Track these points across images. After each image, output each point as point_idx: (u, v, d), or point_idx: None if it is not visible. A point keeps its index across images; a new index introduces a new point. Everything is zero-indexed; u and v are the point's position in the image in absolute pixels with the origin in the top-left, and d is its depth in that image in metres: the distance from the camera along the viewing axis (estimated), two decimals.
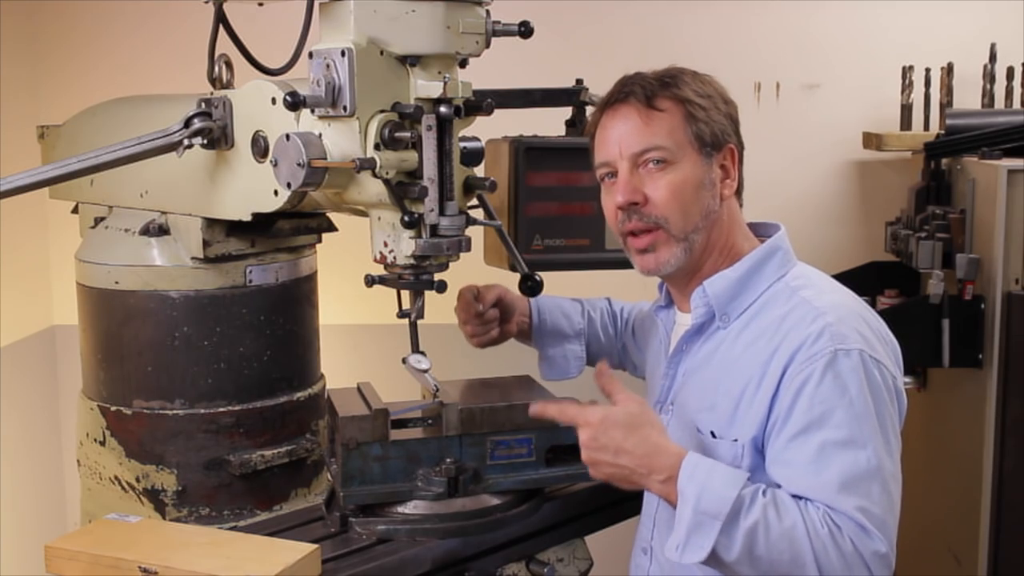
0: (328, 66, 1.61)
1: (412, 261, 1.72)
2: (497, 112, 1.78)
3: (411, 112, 1.64)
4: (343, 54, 1.60)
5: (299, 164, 1.63)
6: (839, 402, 1.51)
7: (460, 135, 1.76)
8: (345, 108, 1.61)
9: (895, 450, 1.55)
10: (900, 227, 2.99)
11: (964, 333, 2.67)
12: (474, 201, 1.86)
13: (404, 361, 1.83)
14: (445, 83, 1.66)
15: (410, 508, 1.73)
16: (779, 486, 1.54)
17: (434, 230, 1.70)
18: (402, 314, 1.81)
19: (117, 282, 1.96)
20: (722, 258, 1.69)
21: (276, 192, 1.76)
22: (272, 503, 1.99)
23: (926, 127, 3.25)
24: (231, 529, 1.83)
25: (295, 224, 1.98)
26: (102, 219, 2.11)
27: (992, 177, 2.62)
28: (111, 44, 3.37)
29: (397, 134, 1.63)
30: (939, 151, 2.92)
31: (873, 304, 2.88)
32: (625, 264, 1.74)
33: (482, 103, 1.74)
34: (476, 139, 1.83)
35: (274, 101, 1.73)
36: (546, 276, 1.96)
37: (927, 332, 2.67)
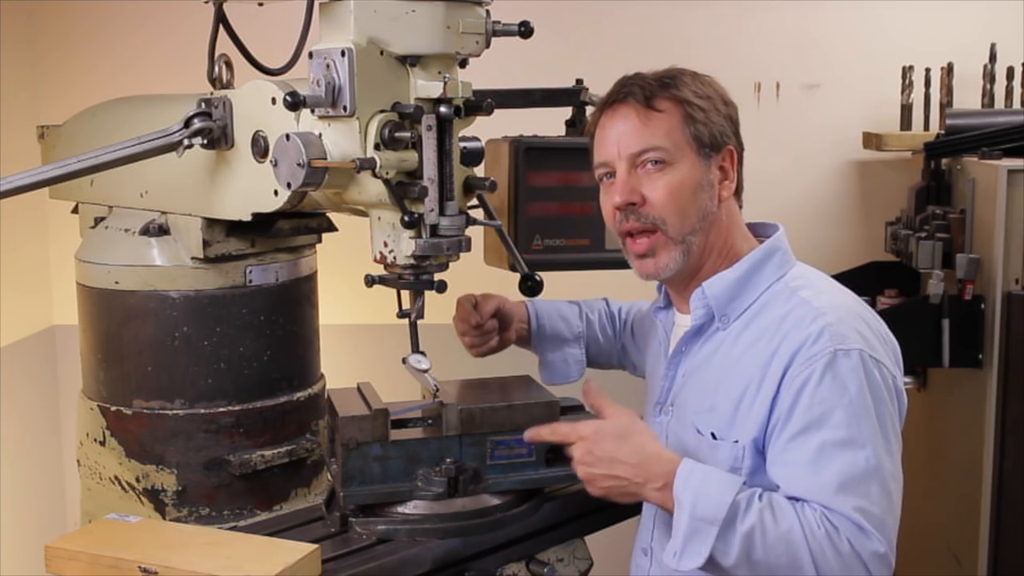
0: (328, 66, 1.61)
1: (412, 261, 1.72)
2: (497, 112, 1.78)
3: (411, 112, 1.64)
4: (343, 54, 1.60)
5: (299, 164, 1.63)
6: (838, 402, 1.51)
7: (460, 135, 1.75)
8: (345, 108, 1.61)
9: (895, 450, 1.55)
10: (900, 227, 2.99)
11: (964, 333, 2.67)
12: (474, 201, 1.86)
13: (404, 361, 1.83)
14: (445, 83, 1.66)
15: (410, 508, 1.73)
16: (778, 487, 1.54)
17: (434, 230, 1.70)
18: (402, 314, 1.81)
19: (117, 282, 1.96)
20: (721, 259, 1.68)
21: (276, 192, 1.76)
22: (272, 503, 1.99)
23: (926, 127, 3.25)
24: (231, 529, 1.82)
25: (295, 224, 1.98)
26: (102, 219, 2.11)
27: (992, 177, 2.62)
28: (111, 44, 3.37)
29: (397, 134, 1.63)
30: (939, 151, 2.92)
31: (873, 304, 2.88)
32: (625, 264, 1.74)
33: (482, 103, 1.74)
34: (476, 139, 1.83)
35: (274, 101, 1.73)
36: (546, 276, 1.96)
37: (927, 332, 2.67)
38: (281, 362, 2.01)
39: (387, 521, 1.71)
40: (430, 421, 1.80)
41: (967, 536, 2.75)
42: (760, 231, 1.75)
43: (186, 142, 1.79)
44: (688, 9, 3.34)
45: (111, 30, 3.37)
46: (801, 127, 3.36)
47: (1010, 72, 3.17)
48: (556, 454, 1.80)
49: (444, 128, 1.68)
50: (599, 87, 1.79)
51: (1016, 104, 3.17)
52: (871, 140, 3.26)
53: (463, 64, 1.74)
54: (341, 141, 1.64)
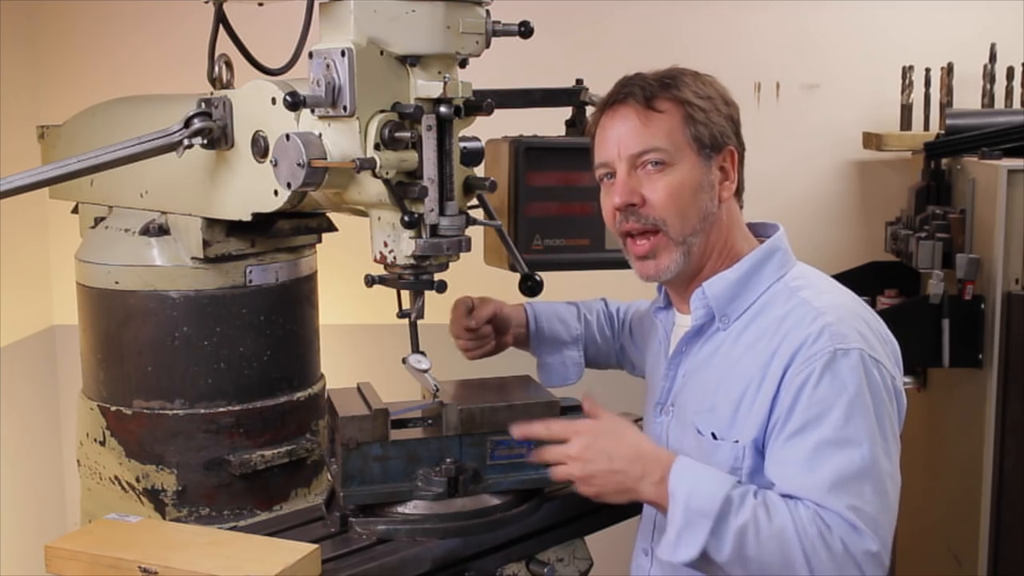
0: (328, 66, 1.61)
1: (412, 261, 1.72)
2: (497, 112, 1.77)
3: (411, 112, 1.64)
4: (343, 54, 1.60)
5: (299, 164, 1.63)
6: (837, 401, 1.51)
7: (460, 135, 1.75)
8: (345, 108, 1.61)
9: (893, 450, 1.55)
10: (900, 227, 2.99)
11: (964, 333, 2.67)
12: (474, 201, 1.86)
13: (404, 361, 1.83)
14: (445, 83, 1.66)
15: (410, 508, 1.73)
16: (774, 485, 1.54)
17: (434, 230, 1.70)
18: (402, 314, 1.81)
19: (117, 282, 1.96)
20: (721, 260, 1.68)
21: (276, 192, 1.76)
22: (272, 503, 1.99)
23: (926, 127, 3.25)
24: (231, 529, 1.82)
25: (295, 224, 1.98)
26: (102, 219, 2.11)
27: (992, 177, 2.62)
28: (111, 44, 3.37)
29: (397, 134, 1.63)
30: (939, 151, 2.92)
31: (873, 304, 2.88)
32: (625, 264, 1.74)
33: (482, 103, 1.74)
34: (476, 139, 1.83)
35: (274, 101, 1.73)
36: (546, 276, 1.96)
37: (927, 332, 2.67)
38: (281, 362, 2.01)
39: (387, 521, 1.71)
40: (430, 421, 1.80)
41: (967, 536, 2.75)
42: (760, 231, 1.75)
43: (186, 142, 1.79)
44: (688, 9, 3.34)
45: (111, 30, 3.37)
46: (801, 127, 3.36)
47: (1010, 72, 3.17)
48: None
49: (444, 128, 1.68)
50: (599, 87, 1.79)
51: (1016, 104, 3.17)
52: (871, 140, 3.26)
53: (463, 64, 1.74)
54: (341, 141, 1.64)
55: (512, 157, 2.03)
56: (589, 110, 2.18)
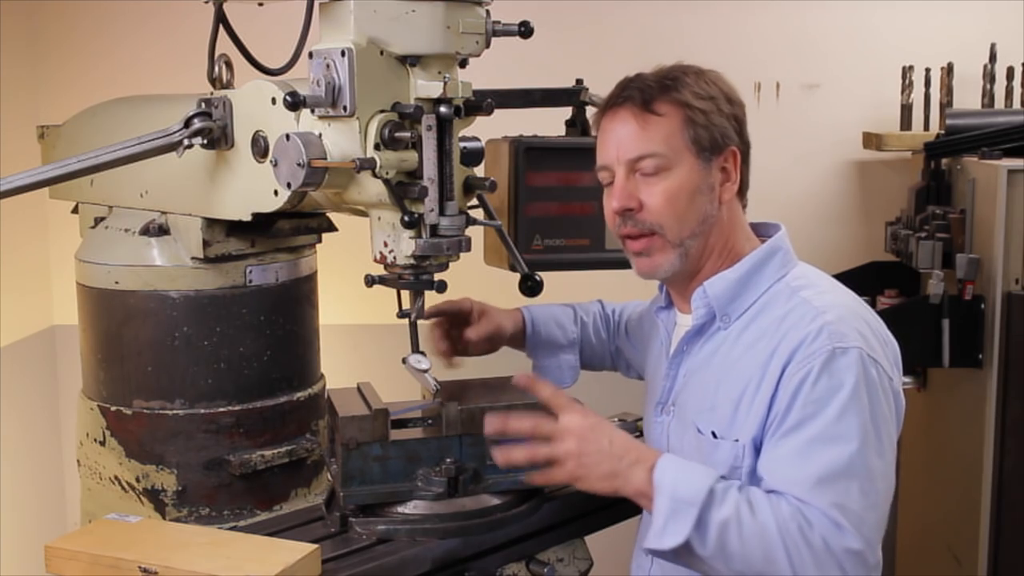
0: (328, 66, 1.61)
1: (412, 261, 1.72)
2: (497, 112, 1.77)
3: (411, 112, 1.64)
4: (343, 54, 1.60)
5: (299, 164, 1.63)
6: (832, 399, 1.51)
7: (460, 135, 1.75)
8: (345, 108, 1.61)
9: (887, 450, 1.54)
10: (900, 227, 2.99)
11: (964, 333, 2.67)
12: (474, 201, 1.85)
13: (404, 361, 1.83)
14: (445, 83, 1.66)
15: (410, 508, 1.73)
16: (763, 480, 1.55)
17: (434, 230, 1.70)
18: (402, 314, 1.81)
19: (117, 282, 1.96)
20: (721, 260, 1.68)
21: (276, 192, 1.76)
22: (272, 503, 1.99)
23: (926, 127, 3.25)
24: (231, 529, 1.83)
25: (295, 224, 1.98)
26: (102, 219, 2.11)
27: (992, 177, 2.62)
28: (111, 44, 3.37)
29: (397, 134, 1.63)
30: (939, 151, 2.92)
31: (873, 304, 2.88)
32: (625, 264, 1.74)
33: (482, 103, 1.74)
34: (476, 139, 1.83)
35: (274, 101, 1.73)
36: (546, 276, 1.96)
37: (927, 332, 2.67)
38: (281, 362, 2.01)
39: (387, 521, 1.71)
40: (430, 421, 1.80)
41: (967, 536, 2.75)
42: (762, 231, 1.75)
43: (186, 142, 1.79)
44: (688, 9, 3.34)
45: (111, 30, 3.37)
46: (801, 127, 3.36)
47: (1010, 72, 3.17)
48: None
49: (444, 128, 1.68)
50: (599, 87, 1.79)
51: (1016, 104, 3.17)
52: (871, 140, 3.26)
53: (463, 64, 1.74)
54: (341, 141, 1.64)
55: (512, 157, 2.03)
56: (589, 110, 2.18)
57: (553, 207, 2.07)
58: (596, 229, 2.05)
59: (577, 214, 2.08)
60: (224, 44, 1.97)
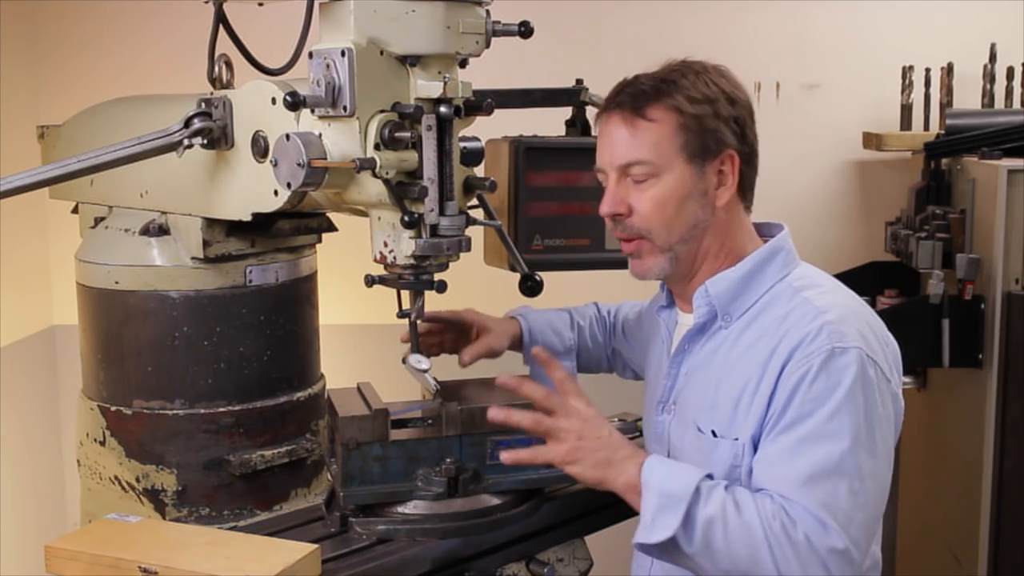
0: (328, 66, 1.61)
1: (412, 261, 1.72)
2: (497, 112, 1.77)
3: (411, 112, 1.64)
4: (343, 54, 1.60)
5: (299, 164, 1.63)
6: (828, 398, 1.51)
7: (460, 135, 1.75)
8: (345, 108, 1.61)
9: (881, 450, 1.53)
10: (900, 227, 2.99)
11: (964, 333, 2.67)
12: (474, 201, 1.86)
13: (404, 361, 1.83)
14: (445, 83, 1.66)
15: (410, 508, 1.73)
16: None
17: (434, 230, 1.70)
18: (402, 314, 1.81)
19: (117, 282, 1.96)
20: (718, 261, 1.68)
21: (276, 192, 1.76)
22: (272, 503, 1.99)
23: (926, 127, 3.25)
24: (231, 529, 1.83)
25: (295, 224, 1.98)
26: (102, 219, 2.11)
27: (992, 177, 2.62)
28: (111, 44, 3.37)
29: (397, 134, 1.63)
30: (939, 151, 2.92)
31: (873, 304, 2.88)
32: (625, 264, 1.74)
33: (482, 103, 1.74)
34: (476, 139, 1.83)
35: (274, 101, 1.73)
36: (546, 276, 1.96)
37: (927, 332, 2.67)
38: (281, 362, 2.01)
39: (387, 521, 1.71)
40: (430, 421, 1.80)
41: (967, 536, 2.75)
42: (765, 231, 1.75)
43: (186, 142, 1.79)
44: (688, 9, 3.34)
45: (111, 30, 3.37)
46: (801, 127, 3.36)
47: (1010, 72, 3.17)
48: None
49: (444, 128, 1.68)
50: (599, 87, 1.79)
51: (1016, 104, 3.17)
52: (871, 140, 3.26)
53: (463, 64, 1.74)
54: (341, 141, 1.64)
55: (512, 157, 2.03)
56: (589, 110, 2.18)
57: (553, 207, 2.07)
58: (596, 229, 2.05)
59: (577, 214, 2.08)
60: (224, 44, 1.97)
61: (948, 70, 3.22)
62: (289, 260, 2.02)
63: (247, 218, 1.84)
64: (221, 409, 1.95)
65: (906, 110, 3.26)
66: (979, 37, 3.20)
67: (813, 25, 3.36)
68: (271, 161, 1.69)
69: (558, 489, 1.84)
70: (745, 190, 1.68)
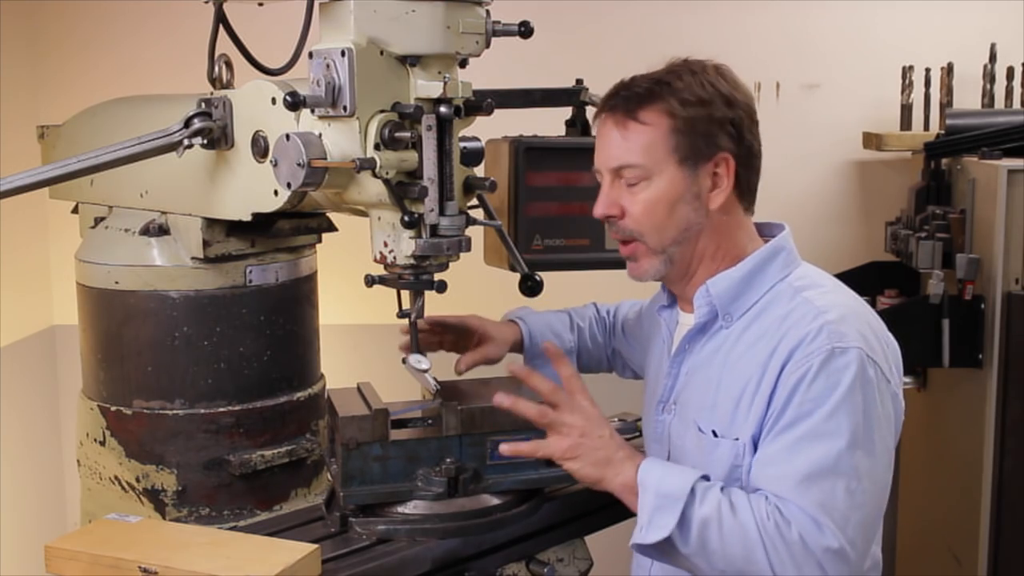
0: (328, 66, 1.61)
1: (412, 261, 1.72)
2: (497, 112, 1.77)
3: (411, 112, 1.64)
4: (343, 54, 1.60)
5: (299, 164, 1.63)
6: (827, 397, 1.51)
7: (460, 135, 1.75)
8: (345, 108, 1.61)
9: (880, 450, 1.53)
10: (900, 227, 2.99)
11: (964, 333, 2.67)
12: (474, 201, 1.86)
13: (404, 361, 1.83)
14: (445, 83, 1.66)
15: (410, 508, 1.73)
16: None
17: (434, 230, 1.70)
18: (402, 314, 1.81)
19: (117, 282, 1.96)
20: (715, 263, 1.68)
21: (276, 192, 1.76)
22: (272, 503, 1.99)
23: (926, 127, 3.25)
24: (231, 529, 1.83)
25: (295, 224, 1.98)
26: (102, 219, 2.11)
27: (992, 177, 2.62)
28: (111, 44, 3.37)
29: (397, 134, 1.63)
30: (939, 151, 2.92)
31: (873, 304, 2.88)
32: (625, 264, 1.74)
33: (482, 103, 1.74)
34: (476, 139, 1.83)
35: (274, 101, 1.73)
36: (546, 276, 1.96)
37: (927, 332, 2.67)
38: (281, 362, 2.01)
39: (387, 521, 1.71)
40: (430, 421, 1.80)
41: (967, 536, 2.75)
42: (766, 231, 1.75)
43: (186, 142, 1.79)
44: (688, 9, 3.34)
45: (111, 30, 3.37)
46: (801, 127, 3.36)
47: (1010, 72, 3.17)
48: None
49: (444, 128, 1.68)
50: (599, 87, 1.79)
51: (1016, 104, 3.17)
52: (871, 140, 3.26)
53: (463, 64, 1.73)
54: (341, 141, 1.64)
55: (512, 157, 2.03)
56: (589, 110, 2.18)
57: (553, 207, 2.07)
58: (596, 229, 2.05)
59: (577, 214, 2.08)
60: (224, 44, 1.97)
61: (948, 70, 3.22)
62: (289, 260, 2.02)
63: (247, 218, 1.84)
64: (221, 409, 1.95)
65: (906, 110, 3.26)
66: (979, 37, 3.20)
67: (813, 25, 3.36)
68: (271, 161, 1.69)
69: (558, 489, 1.84)
70: (744, 192, 1.67)
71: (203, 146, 1.82)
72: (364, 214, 1.78)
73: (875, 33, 3.34)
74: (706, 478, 1.55)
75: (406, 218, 1.66)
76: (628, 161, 1.63)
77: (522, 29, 1.72)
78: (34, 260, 3.37)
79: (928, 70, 3.25)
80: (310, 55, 1.65)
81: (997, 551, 2.66)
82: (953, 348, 2.67)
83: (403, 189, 1.66)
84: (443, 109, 1.67)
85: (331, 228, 2.05)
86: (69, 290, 2.08)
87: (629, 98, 1.63)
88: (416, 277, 1.74)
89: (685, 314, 1.76)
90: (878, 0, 3.32)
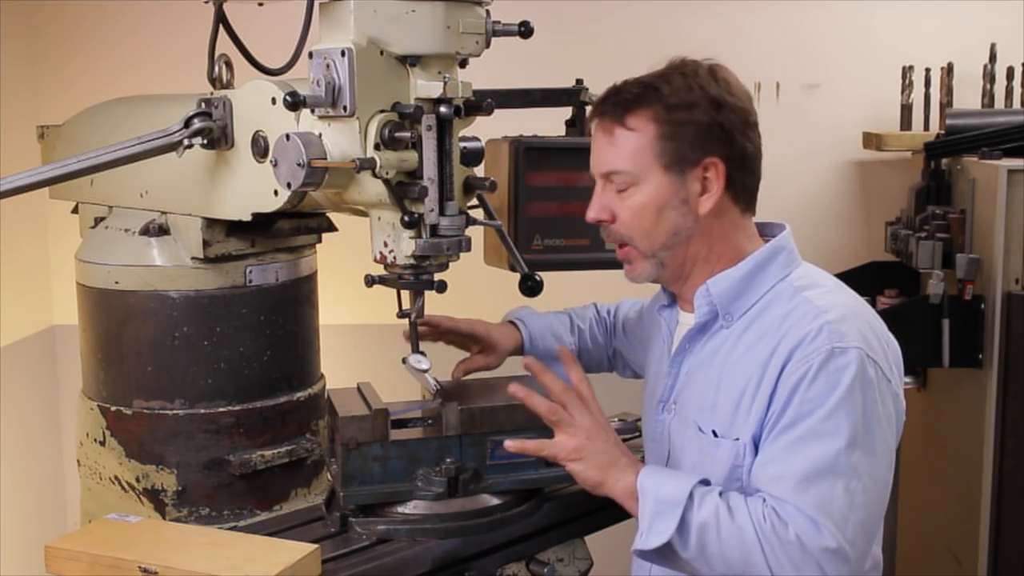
0: (328, 66, 1.61)
1: (412, 261, 1.72)
2: (497, 112, 1.78)
3: (411, 112, 1.64)
4: (343, 54, 1.60)
5: (299, 164, 1.63)
6: (826, 398, 1.51)
7: (460, 135, 1.75)
8: (345, 108, 1.61)
9: (880, 450, 1.53)
10: (900, 227, 2.99)
11: (964, 333, 2.67)
12: (474, 201, 1.86)
13: (404, 361, 1.83)
14: (445, 83, 1.66)
15: (410, 508, 1.73)
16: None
17: (434, 230, 1.70)
18: (402, 314, 1.81)
19: (117, 282, 1.96)
20: (709, 265, 1.67)
21: (276, 192, 1.76)
22: (272, 503, 1.99)
23: (926, 127, 3.25)
24: (231, 529, 1.83)
25: (295, 224, 1.98)
26: (102, 219, 2.11)
27: (992, 177, 2.62)
28: (111, 44, 3.37)
29: (397, 134, 1.63)
30: (939, 151, 2.92)
31: (873, 304, 2.88)
32: None
33: (482, 103, 1.74)
34: (476, 139, 1.83)
35: (274, 101, 1.73)
36: (546, 276, 1.96)
37: (927, 332, 2.67)
38: (281, 362, 2.01)
39: (387, 521, 1.71)
40: (430, 421, 1.80)
41: (967, 536, 2.75)
42: (767, 231, 1.75)
43: (186, 142, 1.79)
44: (688, 9, 3.34)
45: (111, 30, 3.37)
46: (801, 127, 3.36)
47: (1010, 72, 3.17)
48: None
49: (444, 128, 1.68)
50: (599, 87, 1.79)
51: (1016, 104, 3.17)
52: (871, 140, 3.26)
53: (463, 64, 1.74)
54: (341, 141, 1.64)
55: (512, 157, 2.03)
56: (589, 110, 2.18)
57: (553, 207, 2.07)
58: (596, 229, 2.03)
59: (577, 214, 2.06)
60: (224, 44, 1.97)
61: (948, 70, 3.22)
62: (289, 260, 2.02)
63: (247, 218, 1.84)
64: (221, 409, 1.95)
65: (906, 110, 3.26)
66: (979, 37, 3.20)
67: (813, 25, 3.36)
68: (271, 161, 1.69)
69: (558, 489, 1.84)
70: (738, 194, 1.66)
71: (203, 146, 1.82)
72: (364, 214, 1.78)
73: (875, 33, 3.34)
74: (704, 482, 1.56)
75: (406, 218, 1.66)
76: (616, 167, 1.64)
77: (522, 29, 1.72)
78: (34, 260, 3.37)
79: (928, 70, 3.25)
80: (310, 55, 1.65)
81: (997, 551, 2.66)
82: (953, 348, 2.67)
83: (403, 189, 1.66)
84: (443, 109, 1.67)
85: (331, 228, 2.05)
86: (69, 290, 2.08)
87: (617, 103, 1.64)
88: (416, 277, 1.74)
89: (685, 314, 1.76)
90: (878, 0, 3.32)
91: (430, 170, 1.67)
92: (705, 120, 1.60)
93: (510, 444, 1.64)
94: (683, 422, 1.70)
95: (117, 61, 3.34)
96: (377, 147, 1.63)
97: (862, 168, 3.41)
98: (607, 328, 2.14)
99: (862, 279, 3.01)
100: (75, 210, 2.25)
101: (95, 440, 2.02)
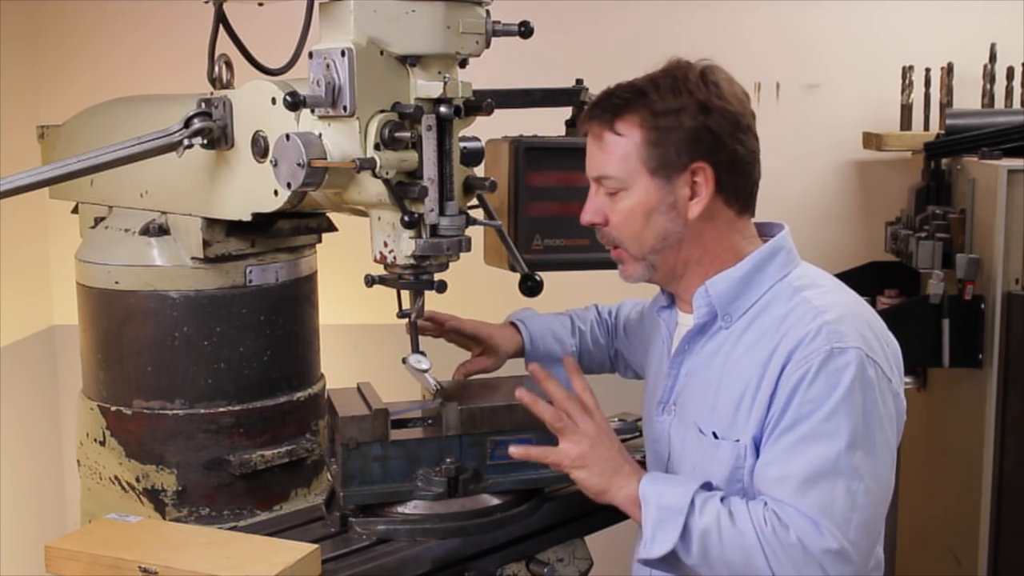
0: (328, 66, 1.61)
1: (412, 261, 1.72)
2: (497, 112, 1.78)
3: (411, 112, 1.64)
4: (343, 54, 1.60)
5: (299, 164, 1.63)
6: (826, 398, 1.51)
7: (460, 135, 1.75)
8: (345, 108, 1.61)
9: (881, 450, 1.53)
10: (900, 227, 2.99)
11: (964, 333, 2.67)
12: (474, 201, 1.86)
13: (404, 361, 1.83)
14: (445, 83, 1.66)
15: (410, 508, 1.73)
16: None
17: (434, 230, 1.70)
18: (402, 314, 1.81)
19: (117, 282, 1.96)
20: (703, 267, 1.67)
21: (276, 192, 1.76)
22: (272, 503, 1.99)
23: (926, 127, 3.25)
24: (231, 529, 1.83)
25: (295, 224, 1.98)
26: (102, 219, 2.11)
27: (992, 177, 2.62)
28: (111, 44, 3.37)
29: (397, 134, 1.63)
30: (939, 151, 2.92)
31: (873, 304, 2.88)
32: None
33: (482, 103, 1.74)
34: (476, 139, 1.83)
35: (274, 101, 1.73)
36: (546, 276, 1.96)
37: (927, 332, 2.67)
38: (281, 362, 2.01)
39: (387, 521, 1.71)
40: (430, 421, 1.80)
41: (967, 536, 2.75)
42: (766, 231, 1.75)
43: (186, 142, 1.79)
44: (688, 9, 3.34)
45: (111, 30, 3.37)
46: (801, 127, 3.36)
47: (1010, 72, 3.17)
48: None
49: (444, 128, 1.68)
50: (599, 87, 1.79)
51: (1016, 104, 3.17)
52: (871, 140, 3.26)
53: (463, 64, 1.74)
54: (341, 141, 1.64)
55: (512, 157, 2.03)
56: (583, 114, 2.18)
57: (553, 207, 2.07)
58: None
59: (577, 214, 2.05)
60: (224, 44, 1.97)
61: (948, 70, 3.21)
62: (289, 260, 2.02)
63: (247, 218, 1.84)
64: (221, 409, 1.95)
65: (906, 110, 3.26)
66: (979, 37, 3.20)
67: (813, 25, 3.36)
68: (271, 161, 1.69)
69: (558, 489, 1.84)
70: (732, 197, 1.65)
71: (203, 146, 1.82)
72: (364, 214, 1.78)
73: (875, 33, 3.34)
74: (706, 487, 1.56)
75: (406, 218, 1.66)
76: (605, 172, 1.65)
77: (522, 29, 1.72)
78: (34, 260, 3.37)
79: (928, 70, 3.25)
80: (310, 55, 1.65)
81: (997, 551, 2.66)
82: (953, 348, 2.67)
83: (403, 189, 1.66)
84: (443, 109, 1.67)
85: (331, 228, 2.05)
86: (69, 290, 2.08)
87: (607, 108, 1.64)
88: (416, 277, 1.74)
89: (684, 315, 1.76)
90: (878, 0, 3.32)
91: (430, 170, 1.67)
92: (692, 125, 1.60)
93: (514, 451, 1.65)
94: (683, 423, 1.70)
95: (117, 61, 3.34)
96: (377, 147, 1.63)
97: (862, 168, 3.41)
98: (608, 329, 2.14)
99: (862, 279, 3.01)
100: (75, 210, 2.25)
101: (95, 440, 2.02)
